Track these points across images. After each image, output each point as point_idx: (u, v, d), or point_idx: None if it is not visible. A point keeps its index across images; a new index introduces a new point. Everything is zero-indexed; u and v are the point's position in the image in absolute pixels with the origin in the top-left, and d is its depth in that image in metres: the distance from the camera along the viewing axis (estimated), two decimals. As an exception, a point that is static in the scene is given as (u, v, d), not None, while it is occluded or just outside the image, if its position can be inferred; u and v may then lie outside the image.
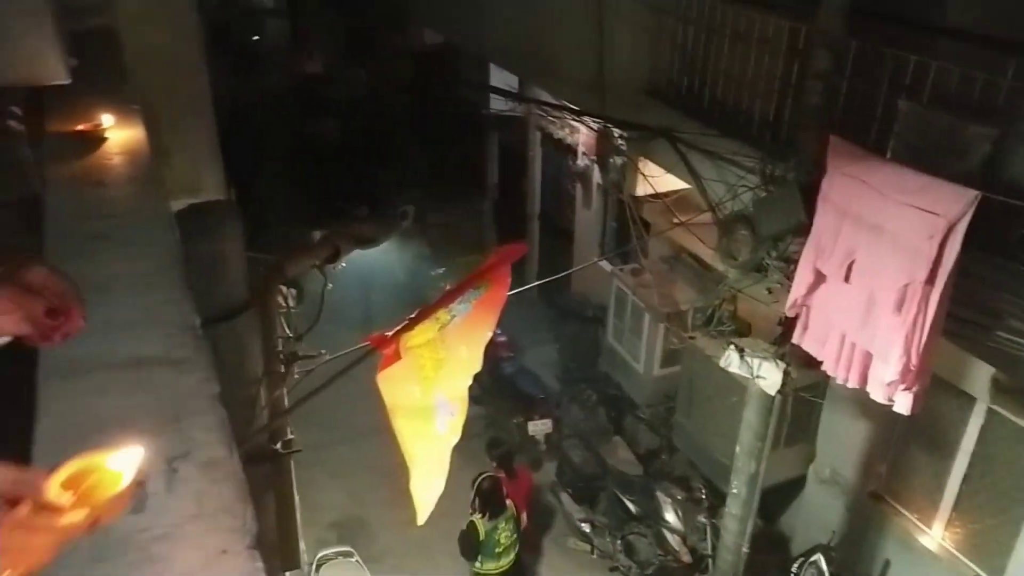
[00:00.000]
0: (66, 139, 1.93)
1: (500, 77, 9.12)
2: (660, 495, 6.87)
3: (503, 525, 6.20)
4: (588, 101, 6.19)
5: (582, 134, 8.57)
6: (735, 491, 5.44)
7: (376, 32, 11.23)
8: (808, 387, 5.76)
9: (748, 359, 4.83)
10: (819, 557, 5.98)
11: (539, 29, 6.93)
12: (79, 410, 1.04)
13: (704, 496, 6.80)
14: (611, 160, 7.64)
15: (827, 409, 6.32)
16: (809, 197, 4.10)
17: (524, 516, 6.55)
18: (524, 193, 10.26)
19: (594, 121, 6.08)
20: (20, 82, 1.91)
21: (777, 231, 4.32)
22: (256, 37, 15.94)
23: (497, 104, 9.53)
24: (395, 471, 6.95)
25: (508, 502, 6.28)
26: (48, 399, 1.05)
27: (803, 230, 4.18)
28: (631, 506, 7.14)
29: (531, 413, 7.99)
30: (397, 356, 2.15)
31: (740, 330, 4.91)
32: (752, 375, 4.86)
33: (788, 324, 4.50)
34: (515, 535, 6.33)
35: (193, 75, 4.78)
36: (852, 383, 4.06)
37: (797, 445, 6.57)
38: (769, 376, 4.78)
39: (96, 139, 1.92)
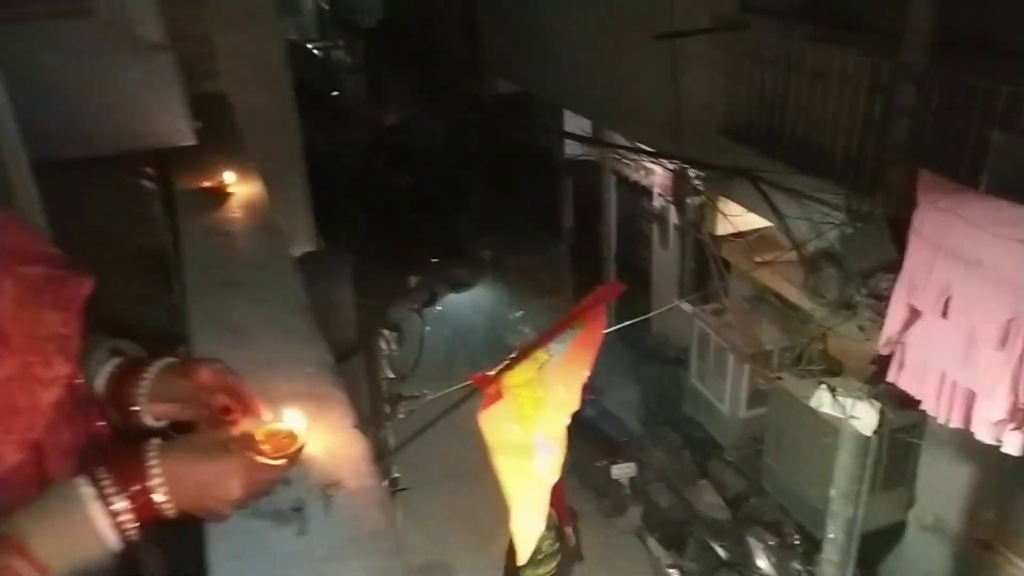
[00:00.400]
0: (194, 195, 2.10)
1: (574, 122, 9.27)
2: (751, 540, 6.68)
3: (544, 533, 6.14)
4: (664, 143, 6.24)
5: (657, 175, 8.61)
6: (831, 536, 5.27)
7: (452, 83, 11.59)
8: (905, 428, 5.55)
9: (840, 399, 4.72)
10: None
11: (613, 74, 7.05)
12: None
13: (797, 542, 6.57)
14: (688, 200, 7.66)
15: (927, 451, 6.06)
16: (897, 232, 4.04)
17: (569, 530, 6.43)
18: (600, 235, 10.32)
19: (671, 162, 6.12)
20: (154, 145, 2.08)
21: (866, 267, 4.25)
22: (335, 93, 16.62)
23: (571, 149, 9.67)
24: (476, 515, 6.94)
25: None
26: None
27: (893, 266, 4.10)
28: (721, 551, 6.96)
29: (614, 456, 7.91)
30: (499, 396, 2.21)
31: (831, 369, 4.80)
32: (845, 415, 4.74)
33: (882, 362, 4.39)
34: (556, 544, 6.24)
35: (288, 133, 5.04)
36: (955, 423, 3.92)
37: (895, 489, 6.31)
38: (863, 416, 4.66)
39: (221, 194, 2.08)
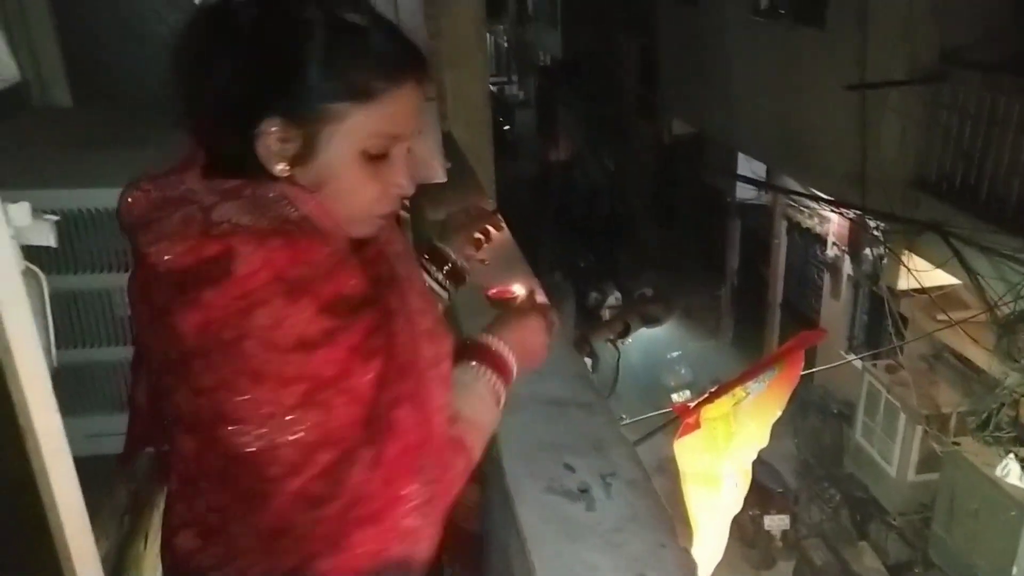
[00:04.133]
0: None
1: (747, 167, 9.25)
2: (914, 611, 6.35)
3: None
4: (844, 192, 6.17)
5: (833, 224, 8.43)
6: (1010, 617, 4.95)
7: (625, 121, 11.85)
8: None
9: (1030, 470, 4.48)
10: None
11: (794, 120, 7.04)
12: (521, 431, 1.40)
13: (966, 619, 6.18)
14: (865, 252, 7.46)
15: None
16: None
17: None
18: (766, 281, 10.17)
19: (854, 212, 6.03)
20: (416, 181, 2.41)
21: (1070, 334, 4.05)
22: (507, 127, 17.33)
23: (743, 192, 9.64)
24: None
25: None
26: (501, 424, 1.41)
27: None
28: (879, 619, 6.64)
29: (768, 507, 7.74)
30: (697, 426, 2.38)
31: (1022, 438, 4.56)
32: (1035, 489, 4.48)
33: (1082, 435, 4.15)
34: None
35: (484, 167, 5.45)
36: None
37: (1086, 578, 5.82)
38: (1056, 491, 4.39)
39: (469, 226, 2.40)
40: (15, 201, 0.83)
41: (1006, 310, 4.58)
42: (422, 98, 0.98)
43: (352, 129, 0.92)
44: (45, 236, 0.84)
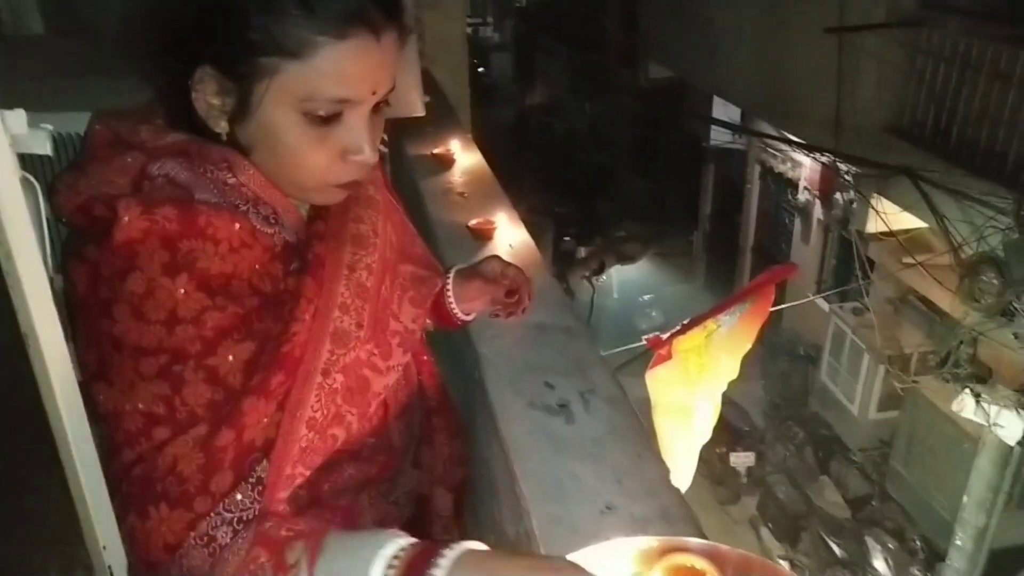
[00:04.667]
0: (425, 161, 2.44)
1: (723, 112, 9.25)
2: (870, 541, 6.64)
3: None
4: (820, 137, 6.21)
5: (805, 169, 8.51)
6: (959, 543, 5.22)
7: (602, 66, 11.74)
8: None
9: (985, 405, 4.67)
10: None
11: (772, 64, 7.03)
12: (506, 354, 1.44)
13: (920, 548, 6.49)
14: (836, 196, 7.56)
15: (1073, 472, 5.84)
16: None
17: None
18: (738, 226, 10.27)
19: (827, 156, 6.09)
20: (392, 116, 2.40)
21: (1031, 275, 4.18)
22: (482, 70, 17.05)
23: (719, 136, 9.66)
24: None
25: None
26: (483, 350, 1.46)
27: (1061, 276, 4.03)
28: (836, 549, 6.94)
29: (734, 444, 7.99)
30: (669, 357, 2.46)
31: (978, 375, 4.74)
32: (989, 423, 4.68)
33: (1036, 373, 4.32)
34: None
35: (462, 106, 5.41)
36: (1111, 439, 3.84)
37: (1032, 508, 6.12)
38: (1008, 425, 4.59)
39: (448, 161, 2.41)
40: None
41: (970, 252, 4.70)
42: (390, 52, 0.88)
43: (286, 87, 0.84)
44: (41, 144, 0.85)
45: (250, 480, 0.85)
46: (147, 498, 0.81)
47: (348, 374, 0.95)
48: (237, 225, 0.87)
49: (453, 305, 1.30)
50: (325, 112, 0.86)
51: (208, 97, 0.86)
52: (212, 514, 0.82)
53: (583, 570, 0.73)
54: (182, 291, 0.82)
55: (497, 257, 1.34)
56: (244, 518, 0.83)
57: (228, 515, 0.83)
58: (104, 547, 1.02)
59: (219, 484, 0.82)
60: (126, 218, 0.81)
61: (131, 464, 0.82)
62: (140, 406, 0.81)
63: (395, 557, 0.75)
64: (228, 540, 0.82)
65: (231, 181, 0.89)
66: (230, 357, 0.84)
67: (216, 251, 0.85)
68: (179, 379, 0.81)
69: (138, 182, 0.85)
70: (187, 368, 0.82)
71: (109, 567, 1.00)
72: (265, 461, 0.86)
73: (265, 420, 0.86)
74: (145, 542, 0.81)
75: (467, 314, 1.30)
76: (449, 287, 1.29)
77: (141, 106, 0.95)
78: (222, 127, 0.88)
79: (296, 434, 0.89)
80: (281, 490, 0.88)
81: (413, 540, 0.78)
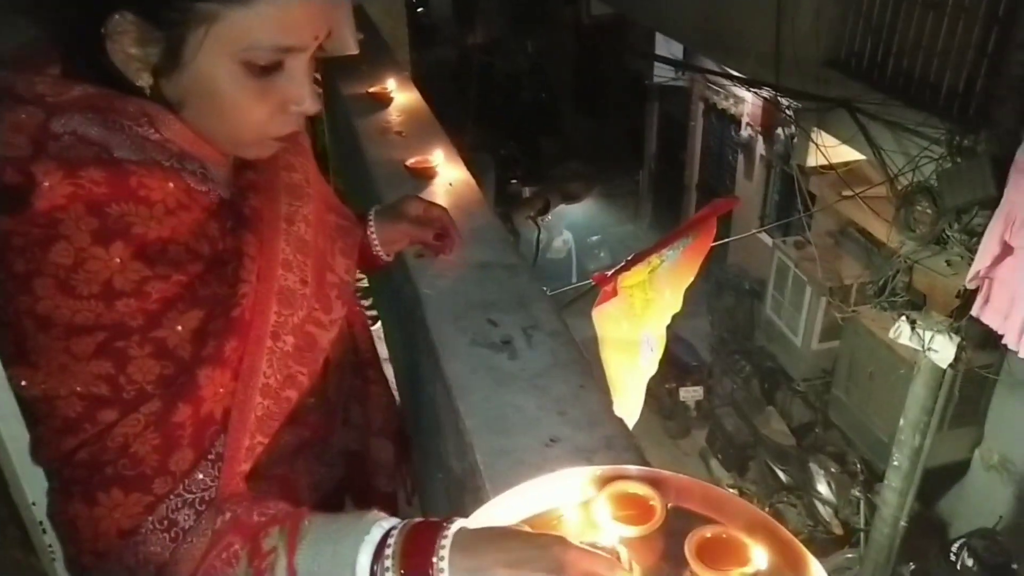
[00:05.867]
0: (362, 100, 2.36)
1: (666, 48, 9.20)
2: (813, 466, 6.92)
3: None
4: (761, 72, 6.23)
5: (747, 105, 8.56)
6: (896, 464, 5.46)
7: (542, 4, 11.55)
8: (982, 367, 5.63)
9: (920, 331, 4.84)
10: (981, 541, 5.87)
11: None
12: (448, 293, 1.43)
13: (860, 470, 6.79)
14: (777, 131, 7.63)
15: (1001, 391, 6.13)
16: (1000, 170, 4.07)
17: None
18: (683, 164, 10.34)
19: (767, 91, 6.12)
20: (325, 55, 2.32)
21: (963, 203, 4.30)
22: (420, 10, 16.58)
23: (661, 74, 9.63)
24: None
25: None
26: (425, 289, 1.43)
27: (990, 202, 4.15)
28: (782, 475, 7.23)
29: (683, 380, 8.18)
30: (615, 293, 2.46)
31: (913, 302, 4.90)
32: (923, 348, 4.86)
33: (968, 298, 4.48)
34: None
35: (400, 46, 5.25)
36: (1036, 358, 4.02)
37: (963, 428, 6.41)
38: (941, 349, 4.77)
39: (385, 99, 2.34)
40: None
41: (905, 183, 4.81)
42: None
43: (226, 35, 0.77)
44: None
45: (210, 457, 0.81)
46: (95, 484, 0.76)
47: (297, 334, 0.91)
48: (171, 184, 0.79)
49: (378, 248, 1.30)
50: (266, 62, 0.80)
51: (127, 47, 0.77)
52: (172, 495, 0.77)
53: (572, 544, 0.73)
54: (117, 260, 0.75)
55: (416, 197, 1.36)
56: (206, 498, 0.80)
57: (189, 496, 0.78)
58: (34, 503, 0.98)
59: (179, 463, 0.78)
60: (47, 183, 0.73)
61: (72, 451, 0.76)
62: (78, 388, 0.74)
63: (386, 545, 0.74)
64: (191, 523, 0.78)
65: (154, 137, 0.81)
66: (178, 327, 0.78)
67: (151, 214, 0.77)
68: (123, 355, 0.75)
69: (40, 141, 0.75)
70: (131, 343, 0.76)
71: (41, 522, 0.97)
72: (223, 436, 0.83)
73: (222, 390, 0.82)
74: (94, 530, 0.76)
75: (389, 255, 1.31)
76: (372, 230, 1.29)
77: (28, 50, 0.84)
78: (144, 80, 0.80)
79: (251, 403, 0.85)
80: (241, 463, 0.84)
81: (395, 522, 0.77)
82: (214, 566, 0.76)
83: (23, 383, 0.76)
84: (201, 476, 0.80)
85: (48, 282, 0.73)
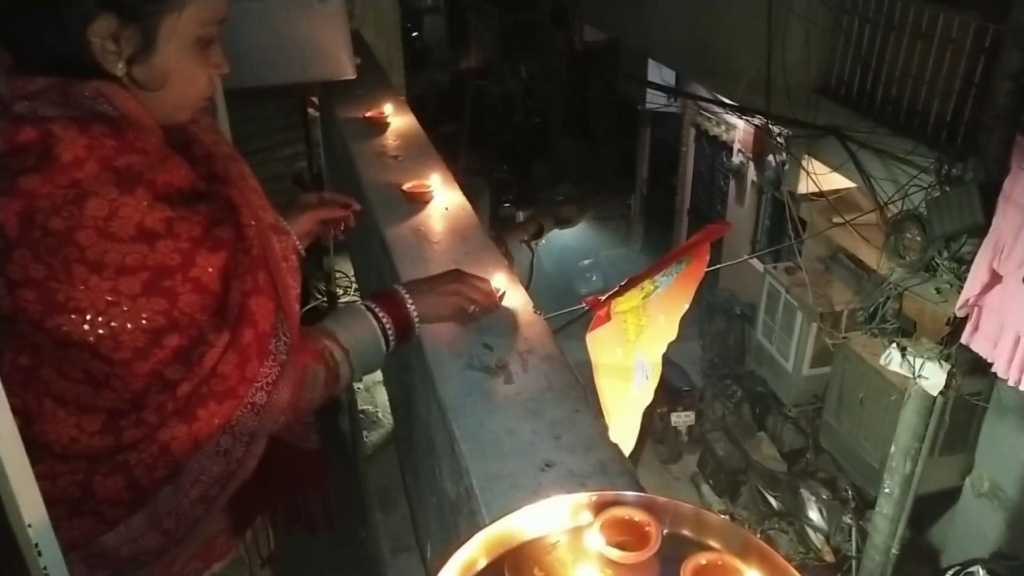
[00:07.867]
0: (358, 124, 2.38)
1: (658, 74, 9.30)
2: (804, 492, 6.90)
3: None
4: (751, 99, 6.29)
5: (738, 131, 8.64)
6: (887, 491, 5.45)
7: (535, 29, 11.66)
8: (973, 394, 5.65)
9: (910, 358, 4.86)
10: (977, 569, 5.83)
11: (703, 26, 7.08)
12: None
13: (851, 497, 6.77)
14: (769, 158, 7.70)
15: (991, 418, 6.15)
16: (988, 198, 4.11)
17: None
18: (674, 188, 10.40)
19: (758, 118, 6.18)
20: (321, 79, 2.33)
21: (951, 231, 4.33)
22: (415, 34, 16.73)
23: (654, 100, 9.72)
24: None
25: None
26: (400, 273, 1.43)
27: (979, 230, 4.19)
28: (773, 501, 7.19)
29: (675, 404, 8.16)
30: (608, 318, 2.46)
31: (903, 329, 4.92)
32: (914, 375, 4.87)
33: (957, 325, 4.50)
34: None
35: (395, 69, 5.30)
36: (1025, 385, 4.04)
37: (954, 455, 6.41)
38: (932, 376, 4.78)
39: (382, 124, 2.35)
40: None
41: (895, 210, 4.85)
42: None
43: (193, 16, 0.91)
44: None
45: (271, 356, 0.99)
46: (193, 403, 0.90)
47: (287, 256, 1.07)
48: (153, 140, 0.91)
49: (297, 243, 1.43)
50: (208, 35, 0.94)
51: (107, 45, 0.88)
52: (253, 391, 0.96)
53: (463, 271, 1.33)
54: (144, 203, 0.85)
55: (305, 193, 1.55)
56: (272, 378, 0.99)
57: (262, 381, 0.98)
58: (30, 525, 0.97)
59: (252, 370, 0.96)
60: (67, 135, 0.82)
61: (148, 374, 0.87)
62: (143, 322, 0.85)
63: (379, 320, 1.18)
64: (264, 399, 0.98)
65: (112, 113, 0.89)
66: (209, 269, 0.90)
67: (150, 162, 0.87)
68: (172, 292, 0.87)
69: (14, 121, 0.83)
70: (176, 282, 0.87)
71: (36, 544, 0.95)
72: (279, 329, 1.00)
73: (271, 314, 0.98)
74: (193, 441, 0.92)
75: (303, 251, 1.45)
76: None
77: None
78: (120, 69, 0.90)
79: (291, 296, 1.04)
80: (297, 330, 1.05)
81: (368, 302, 1.21)
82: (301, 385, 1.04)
83: (85, 327, 0.83)
84: (266, 370, 0.98)
85: (90, 232, 0.82)
